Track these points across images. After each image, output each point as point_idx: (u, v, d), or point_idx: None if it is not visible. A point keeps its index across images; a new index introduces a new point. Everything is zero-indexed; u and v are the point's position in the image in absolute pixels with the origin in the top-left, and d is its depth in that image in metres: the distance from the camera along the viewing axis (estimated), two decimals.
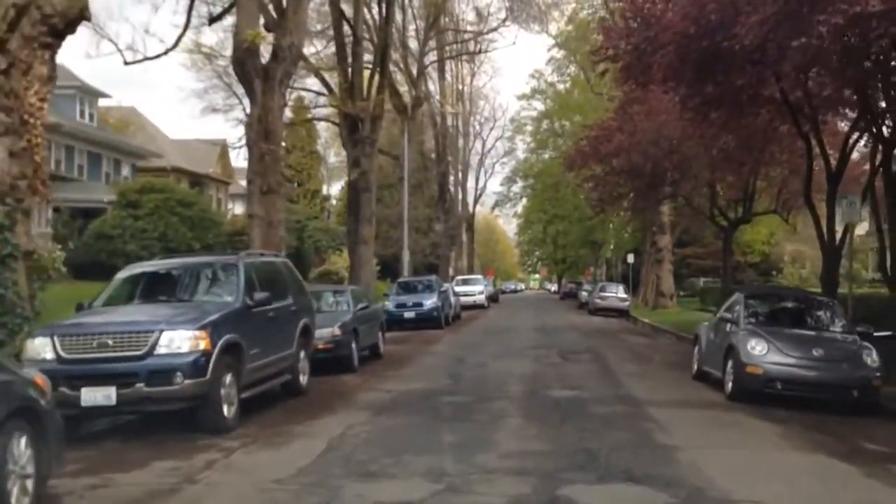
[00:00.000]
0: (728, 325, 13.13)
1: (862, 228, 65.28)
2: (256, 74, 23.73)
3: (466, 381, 14.08)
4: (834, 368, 11.59)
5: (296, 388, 12.10)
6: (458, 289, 43.51)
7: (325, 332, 14.87)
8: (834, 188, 19.91)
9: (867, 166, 21.88)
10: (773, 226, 50.66)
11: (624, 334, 27.98)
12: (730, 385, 12.20)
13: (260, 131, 23.73)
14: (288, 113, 43.48)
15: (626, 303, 42.04)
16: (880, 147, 17.76)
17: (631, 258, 50.48)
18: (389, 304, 29.12)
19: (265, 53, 24.76)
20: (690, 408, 11.48)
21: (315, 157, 69.90)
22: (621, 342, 23.89)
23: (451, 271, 62.98)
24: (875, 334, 12.47)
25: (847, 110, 18.77)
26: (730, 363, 12.25)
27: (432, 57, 49.89)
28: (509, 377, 14.48)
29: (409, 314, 28.69)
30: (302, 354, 12.39)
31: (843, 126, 20.28)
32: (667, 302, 41.85)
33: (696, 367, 14.70)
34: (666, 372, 15.92)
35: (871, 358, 11.73)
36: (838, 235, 18.96)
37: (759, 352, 11.78)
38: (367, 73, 33.93)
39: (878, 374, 11.59)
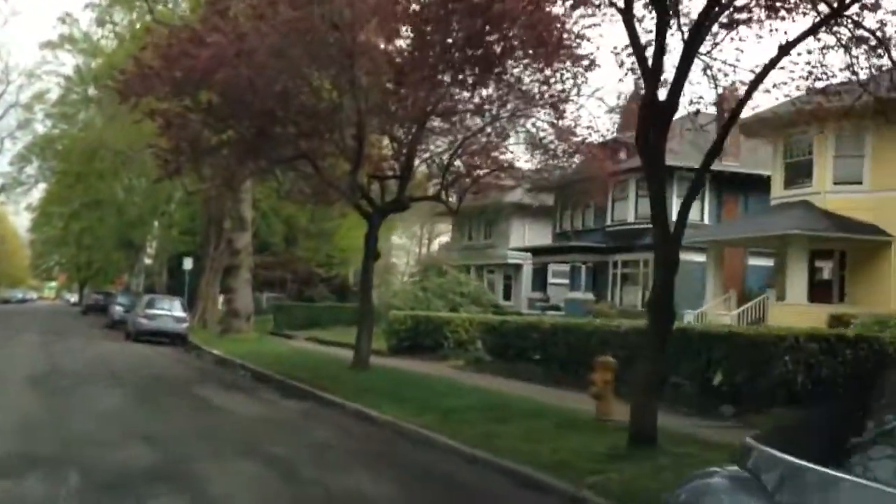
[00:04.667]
0: None
1: (448, 234, 60.75)
2: None
3: None
4: None
5: None
6: None
7: None
8: (664, 128, 10.49)
9: None
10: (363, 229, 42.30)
11: (203, 388, 15.93)
12: None
13: None
14: None
15: (185, 324, 30.11)
16: None
17: (189, 263, 37.98)
18: None
19: None
20: None
21: None
22: (217, 418, 11.93)
23: None
24: None
25: None
26: None
27: None
28: None
29: None
30: None
31: None
32: (241, 324, 30.38)
33: None
34: None
35: None
36: None
37: None
38: None
39: None
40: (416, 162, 18.54)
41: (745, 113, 28.31)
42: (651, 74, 9.46)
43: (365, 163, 18.12)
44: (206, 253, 39.02)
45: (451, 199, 19.68)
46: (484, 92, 17.36)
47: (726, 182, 31.84)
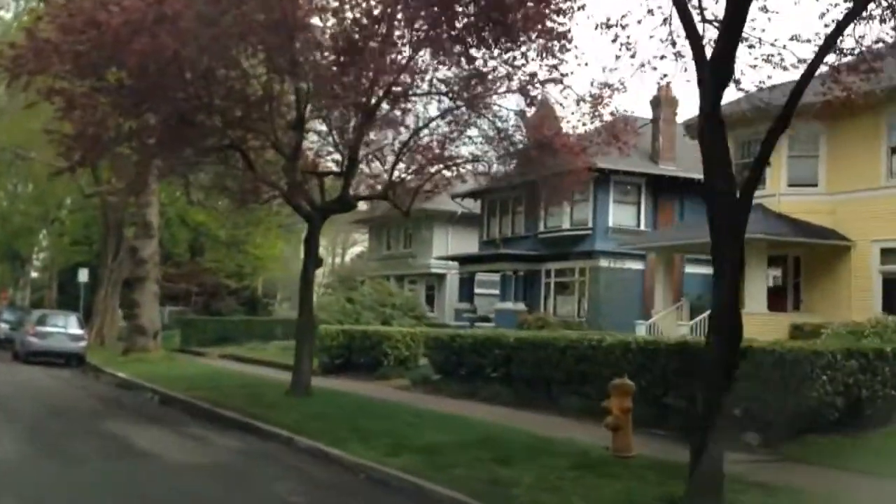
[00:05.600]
0: None
1: (362, 244, 57.87)
2: None
3: None
4: None
5: None
6: None
7: None
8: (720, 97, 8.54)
9: None
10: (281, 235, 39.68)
11: (114, 422, 13.19)
12: None
13: None
14: None
15: (82, 343, 27.06)
16: None
17: (84, 275, 34.38)
18: None
19: None
20: None
21: None
22: (144, 469, 9.27)
23: None
24: None
25: None
26: None
27: None
28: None
29: None
30: None
31: None
32: (148, 342, 27.25)
33: None
34: None
35: None
36: None
37: None
38: None
39: None
40: (361, 154, 16.22)
41: (685, 115, 26.41)
42: (725, 34, 7.57)
43: (302, 155, 15.72)
44: (103, 263, 35.52)
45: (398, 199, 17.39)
46: (441, 74, 15.27)
47: (664, 186, 30.58)
